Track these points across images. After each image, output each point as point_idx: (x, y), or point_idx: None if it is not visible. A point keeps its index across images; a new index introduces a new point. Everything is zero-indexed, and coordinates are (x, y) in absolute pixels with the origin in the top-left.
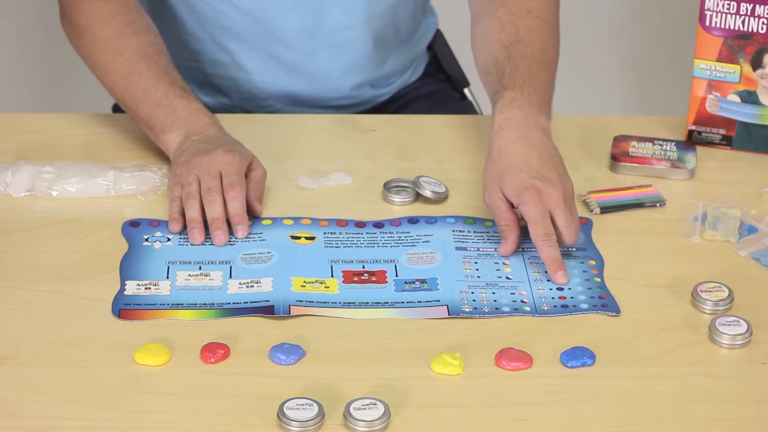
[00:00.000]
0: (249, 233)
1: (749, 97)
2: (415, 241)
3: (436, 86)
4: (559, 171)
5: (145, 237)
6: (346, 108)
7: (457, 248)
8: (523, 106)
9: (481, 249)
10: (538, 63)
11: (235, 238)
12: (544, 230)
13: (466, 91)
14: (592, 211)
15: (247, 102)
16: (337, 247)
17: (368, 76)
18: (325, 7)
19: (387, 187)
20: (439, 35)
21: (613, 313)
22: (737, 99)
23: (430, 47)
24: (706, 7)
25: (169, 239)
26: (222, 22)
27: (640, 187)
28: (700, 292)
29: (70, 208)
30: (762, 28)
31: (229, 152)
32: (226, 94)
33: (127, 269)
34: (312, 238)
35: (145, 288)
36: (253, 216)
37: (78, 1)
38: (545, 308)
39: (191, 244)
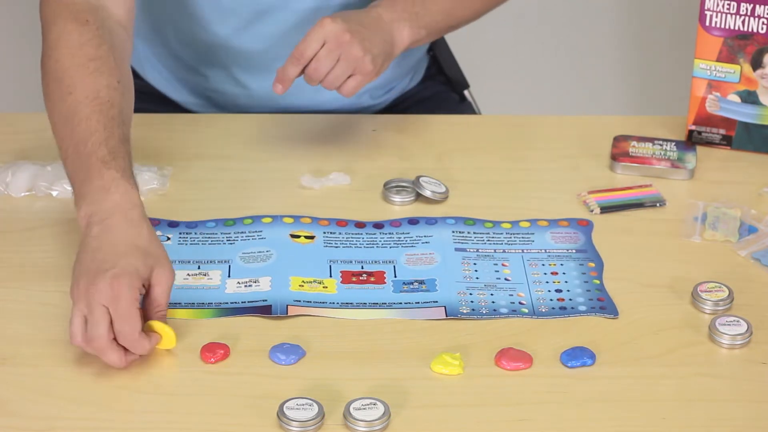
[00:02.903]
0: (246, 233)
1: (749, 97)
2: (414, 242)
3: (435, 89)
4: (373, 50)
5: None
6: (343, 113)
7: (457, 249)
8: (390, 7)
9: (480, 250)
10: None
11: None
12: (303, 49)
13: (465, 92)
14: (592, 211)
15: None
16: (337, 247)
17: (366, 86)
18: (315, 14)
19: (387, 187)
20: (439, 38)
21: (611, 316)
22: (737, 99)
23: (431, 49)
24: (706, 7)
25: (168, 238)
26: (218, 42)
27: (640, 187)
28: (700, 292)
29: (70, 208)
30: (762, 28)
31: (115, 281)
32: (222, 108)
33: None
34: (311, 238)
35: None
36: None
37: (54, 17)
38: (543, 310)
39: (190, 244)
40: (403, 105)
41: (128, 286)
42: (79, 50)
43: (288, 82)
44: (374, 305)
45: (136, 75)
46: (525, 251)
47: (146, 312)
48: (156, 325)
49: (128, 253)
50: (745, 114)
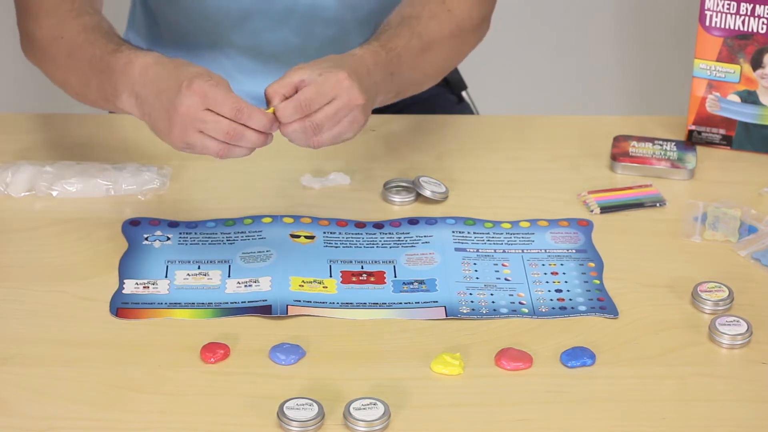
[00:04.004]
0: (246, 233)
1: (749, 97)
2: (414, 242)
3: (433, 90)
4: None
5: (145, 236)
6: None
7: (457, 249)
8: (377, 60)
9: (480, 250)
10: (418, 47)
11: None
12: (311, 100)
13: (463, 93)
14: (592, 211)
15: None
16: (337, 247)
17: None
18: (311, 24)
19: (387, 187)
20: None
21: (611, 316)
22: (737, 99)
23: None
24: (706, 7)
25: (168, 238)
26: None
27: (640, 187)
28: (700, 292)
29: (70, 208)
30: (762, 28)
31: (189, 89)
32: None
33: (126, 268)
34: (311, 237)
35: (144, 287)
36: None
37: (26, 4)
38: (543, 310)
39: (190, 244)
40: (400, 106)
41: (204, 80)
42: (57, 9)
43: (279, 124)
44: (374, 305)
45: None
46: (525, 251)
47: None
48: None
49: (181, 73)
50: (745, 114)
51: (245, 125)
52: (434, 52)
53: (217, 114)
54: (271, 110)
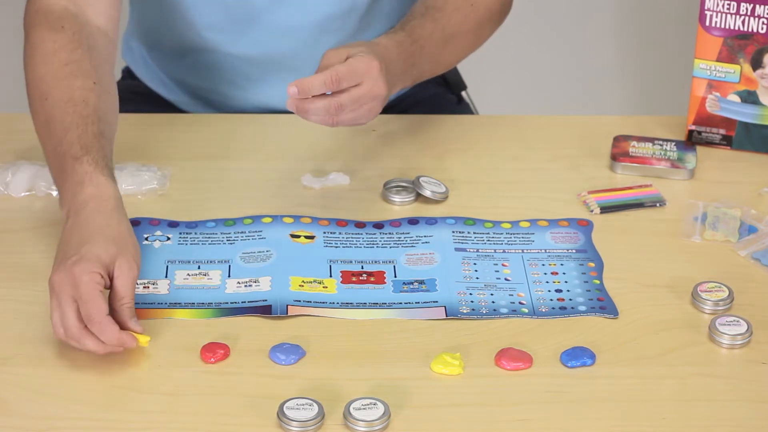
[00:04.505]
0: (246, 233)
1: (749, 97)
2: (414, 242)
3: (433, 91)
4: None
5: (145, 236)
6: None
7: (457, 249)
8: (401, 51)
9: (480, 250)
10: (440, 39)
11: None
12: (341, 78)
13: (463, 93)
14: (592, 211)
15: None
16: (337, 247)
17: None
18: (319, 35)
19: (387, 187)
20: None
21: (611, 316)
22: (737, 99)
23: None
24: (706, 7)
25: (168, 238)
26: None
27: (640, 187)
28: (700, 292)
29: None
30: (762, 28)
31: (74, 267)
32: (219, 109)
33: None
34: (311, 237)
35: (144, 287)
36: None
37: (32, 26)
38: (543, 310)
39: (190, 244)
40: (400, 106)
41: (86, 271)
42: (53, 56)
43: (305, 93)
44: (374, 305)
45: (132, 77)
46: (525, 251)
47: (112, 305)
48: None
49: (91, 241)
50: (745, 114)
51: (90, 332)
52: (455, 44)
53: (74, 307)
54: (146, 340)
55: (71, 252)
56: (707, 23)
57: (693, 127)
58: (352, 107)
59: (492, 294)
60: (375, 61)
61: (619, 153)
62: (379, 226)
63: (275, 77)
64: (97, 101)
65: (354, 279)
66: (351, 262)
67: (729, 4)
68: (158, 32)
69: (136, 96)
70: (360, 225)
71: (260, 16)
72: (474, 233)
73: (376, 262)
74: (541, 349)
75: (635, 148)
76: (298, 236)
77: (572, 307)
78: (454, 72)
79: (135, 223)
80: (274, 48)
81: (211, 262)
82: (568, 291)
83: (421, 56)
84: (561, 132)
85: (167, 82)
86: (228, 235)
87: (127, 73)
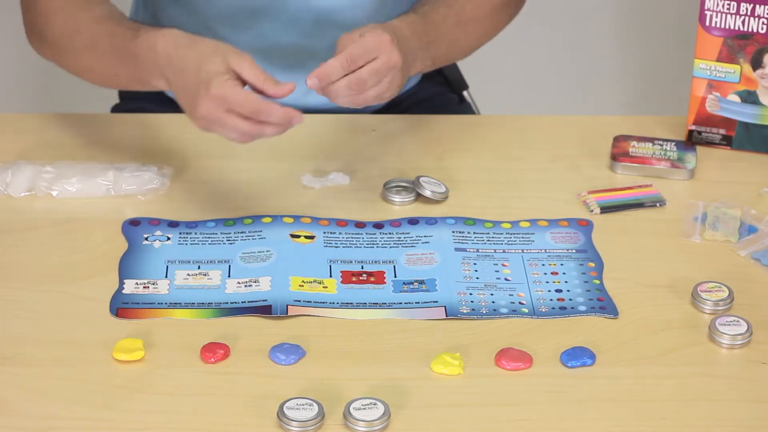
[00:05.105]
0: (246, 233)
1: (749, 97)
2: (414, 242)
3: (434, 90)
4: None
5: (145, 236)
6: (343, 113)
7: (457, 249)
8: (414, 30)
9: (480, 250)
10: (453, 23)
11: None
12: (357, 56)
13: (465, 93)
14: (592, 211)
15: None
16: (337, 247)
17: None
18: (322, 27)
19: (387, 187)
20: None
21: (611, 316)
22: (737, 99)
23: None
24: (706, 7)
25: (168, 238)
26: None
27: (640, 187)
28: (700, 292)
29: (70, 208)
30: (762, 28)
31: (208, 91)
32: None
33: (126, 268)
34: (311, 237)
35: (144, 287)
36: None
37: (34, 3)
38: (543, 310)
39: (190, 244)
40: (402, 105)
41: (220, 83)
42: (67, 5)
43: (326, 80)
44: (374, 305)
45: None
46: (525, 251)
47: (258, 92)
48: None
49: (199, 65)
50: (745, 114)
51: (265, 121)
52: (470, 29)
53: (237, 115)
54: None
55: (192, 86)
56: (707, 23)
57: (693, 127)
58: (373, 81)
59: (492, 294)
60: (385, 34)
61: (619, 153)
62: (379, 226)
63: (279, 72)
64: (116, 11)
65: (354, 279)
66: (351, 262)
67: (729, 4)
68: (163, 24)
69: (139, 93)
70: (360, 225)
71: (267, 9)
72: (474, 233)
73: (376, 262)
74: (541, 349)
75: (635, 148)
76: (298, 236)
77: (572, 307)
78: (456, 71)
79: (135, 223)
80: (280, 41)
81: (211, 262)
82: (568, 291)
83: (437, 36)
84: (561, 132)
85: None
86: (228, 235)
87: None
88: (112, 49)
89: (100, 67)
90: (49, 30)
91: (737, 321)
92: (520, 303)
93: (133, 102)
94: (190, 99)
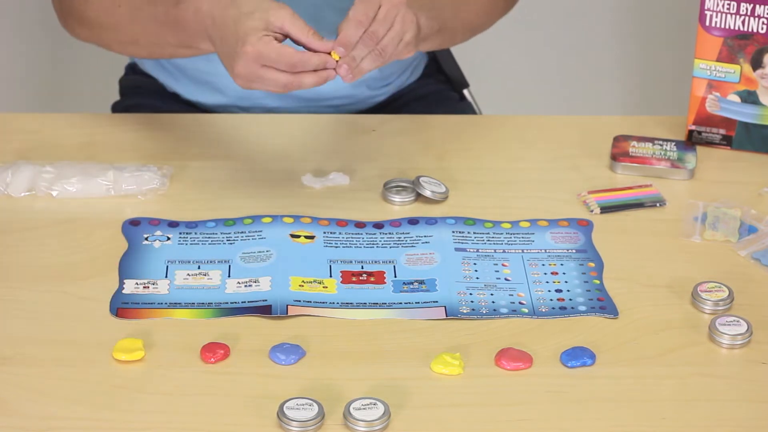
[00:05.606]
0: (246, 233)
1: (749, 97)
2: (414, 242)
3: (434, 87)
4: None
5: (145, 236)
6: (342, 107)
7: (457, 249)
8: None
9: (480, 250)
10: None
11: None
12: (366, 11)
13: (465, 92)
14: (592, 211)
15: (243, 100)
16: (337, 247)
17: (364, 77)
18: (321, 11)
19: (387, 187)
20: None
21: (611, 316)
22: (737, 99)
23: None
24: (706, 7)
25: (168, 238)
26: None
27: (640, 187)
28: (700, 292)
29: (70, 208)
30: (762, 28)
31: (245, 49)
32: (222, 93)
33: (126, 268)
34: (311, 237)
35: (144, 287)
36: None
37: None
38: (543, 310)
39: (190, 244)
40: (401, 101)
41: (256, 41)
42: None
43: (350, 46)
44: (374, 305)
45: (136, 72)
46: (525, 251)
47: (302, 46)
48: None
49: (237, 23)
50: (745, 114)
51: (303, 71)
52: (470, 4)
53: (275, 70)
54: (335, 57)
55: (232, 45)
56: (707, 23)
57: (693, 127)
58: (384, 28)
59: (492, 294)
60: None
61: (619, 153)
62: (379, 226)
63: None
64: None
65: (354, 279)
66: (351, 262)
67: (729, 4)
68: None
69: (140, 89)
70: (360, 225)
71: None
72: (474, 233)
73: (376, 262)
74: (541, 349)
75: (635, 148)
76: (298, 236)
77: (572, 307)
78: (456, 70)
79: (135, 223)
80: None
81: (211, 262)
82: (568, 291)
83: (439, 2)
84: (561, 132)
85: (171, 70)
86: (228, 235)
87: (131, 69)
88: (155, 18)
89: (145, 38)
90: (88, 9)
91: (737, 321)
92: (520, 303)
93: (136, 97)
94: (230, 58)
